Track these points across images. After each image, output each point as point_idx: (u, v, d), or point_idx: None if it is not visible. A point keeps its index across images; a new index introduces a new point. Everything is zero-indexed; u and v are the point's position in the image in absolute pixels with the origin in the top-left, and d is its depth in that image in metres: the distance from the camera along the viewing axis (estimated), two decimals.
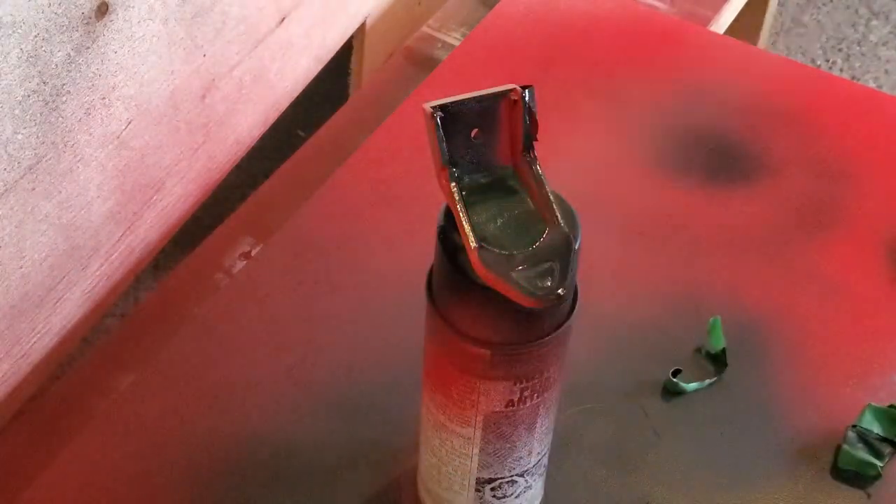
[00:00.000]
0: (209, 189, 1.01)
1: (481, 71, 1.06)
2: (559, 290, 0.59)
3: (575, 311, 0.65)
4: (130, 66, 0.83)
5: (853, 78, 1.88)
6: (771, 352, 0.88)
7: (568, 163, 0.98)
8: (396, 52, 1.15)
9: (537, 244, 0.60)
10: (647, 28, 1.11)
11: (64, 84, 0.78)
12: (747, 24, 1.44)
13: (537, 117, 0.62)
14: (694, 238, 0.95)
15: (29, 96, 0.75)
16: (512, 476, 0.71)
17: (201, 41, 0.90)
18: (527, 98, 0.61)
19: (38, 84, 0.76)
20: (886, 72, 1.90)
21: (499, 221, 0.61)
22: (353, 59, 1.20)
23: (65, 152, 0.81)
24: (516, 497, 0.72)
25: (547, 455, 0.73)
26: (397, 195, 0.96)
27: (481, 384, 0.65)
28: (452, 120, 0.61)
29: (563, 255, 0.60)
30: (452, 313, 0.64)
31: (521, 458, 0.70)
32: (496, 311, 0.62)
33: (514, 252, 0.59)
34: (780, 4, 1.94)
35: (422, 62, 1.12)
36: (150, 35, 0.84)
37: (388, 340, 0.86)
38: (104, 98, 0.82)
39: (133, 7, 0.81)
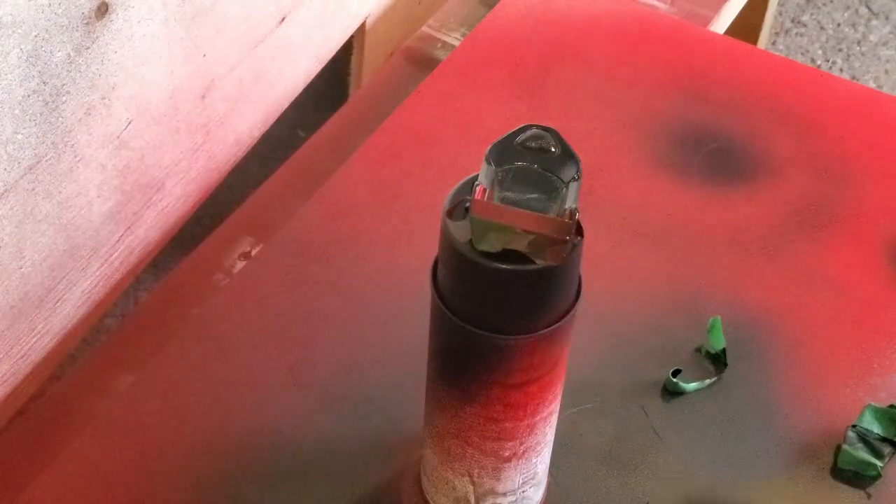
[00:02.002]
0: (209, 189, 1.01)
1: (481, 71, 1.06)
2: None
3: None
4: (130, 66, 0.83)
5: (853, 78, 1.88)
6: (771, 352, 0.88)
7: None
8: (396, 52, 1.15)
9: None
10: (647, 28, 1.11)
11: (64, 84, 0.78)
12: (747, 24, 1.44)
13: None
14: (694, 238, 0.95)
15: (29, 96, 0.75)
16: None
17: (201, 41, 0.90)
18: None
19: (38, 84, 0.76)
20: (886, 72, 1.90)
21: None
22: (353, 59, 1.20)
23: (65, 152, 0.81)
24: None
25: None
26: (397, 195, 0.96)
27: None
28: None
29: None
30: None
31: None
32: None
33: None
34: (780, 4, 1.94)
35: (422, 62, 1.12)
36: (150, 35, 0.84)
37: (388, 340, 0.86)
38: (104, 98, 0.82)
39: (133, 7, 0.81)
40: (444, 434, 0.71)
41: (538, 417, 0.70)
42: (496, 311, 0.64)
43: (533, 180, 0.62)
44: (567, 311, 0.65)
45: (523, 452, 0.71)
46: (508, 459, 0.71)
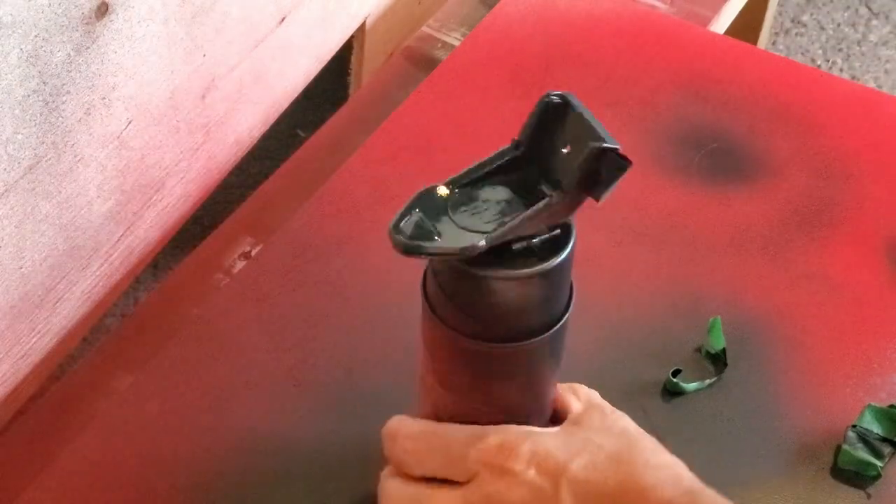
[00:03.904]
0: (209, 189, 1.01)
1: (481, 71, 1.06)
2: None
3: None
4: (130, 66, 0.83)
5: (853, 78, 1.88)
6: (771, 352, 0.88)
7: None
8: (396, 52, 1.15)
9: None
10: (647, 28, 1.11)
11: (64, 84, 0.78)
12: (747, 24, 1.44)
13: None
14: (694, 238, 0.95)
15: (29, 96, 0.75)
16: None
17: (201, 41, 0.90)
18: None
19: (38, 84, 0.76)
20: (886, 71, 1.90)
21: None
22: (353, 59, 1.20)
23: (65, 152, 0.81)
24: None
25: None
26: (397, 195, 0.95)
27: None
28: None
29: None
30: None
31: None
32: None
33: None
34: (779, 4, 1.94)
35: (422, 62, 1.12)
36: (150, 35, 0.84)
37: (388, 340, 0.86)
38: (104, 98, 0.82)
39: (133, 7, 0.81)
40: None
41: (533, 419, 0.69)
42: (482, 318, 0.64)
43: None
44: (557, 321, 0.65)
45: None
46: None
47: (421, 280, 0.66)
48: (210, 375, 0.85)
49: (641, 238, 0.95)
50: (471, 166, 0.63)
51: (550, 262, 0.62)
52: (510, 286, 0.62)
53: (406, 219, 0.61)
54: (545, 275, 0.62)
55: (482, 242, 0.60)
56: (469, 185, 0.63)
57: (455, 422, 0.68)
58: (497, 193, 0.63)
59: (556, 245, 0.63)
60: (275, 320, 0.88)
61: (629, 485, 0.64)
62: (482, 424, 0.68)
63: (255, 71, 1.00)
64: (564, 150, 0.62)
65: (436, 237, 0.60)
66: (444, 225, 0.61)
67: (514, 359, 0.66)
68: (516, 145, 0.64)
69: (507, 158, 0.63)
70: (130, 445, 0.81)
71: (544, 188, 0.63)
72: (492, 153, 0.64)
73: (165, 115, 0.90)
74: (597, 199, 0.62)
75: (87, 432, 0.82)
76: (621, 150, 0.61)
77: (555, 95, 0.62)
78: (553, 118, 0.63)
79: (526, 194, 0.63)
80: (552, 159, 0.63)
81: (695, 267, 0.93)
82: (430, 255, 0.60)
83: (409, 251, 0.60)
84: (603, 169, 0.61)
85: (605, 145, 0.61)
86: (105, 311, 0.94)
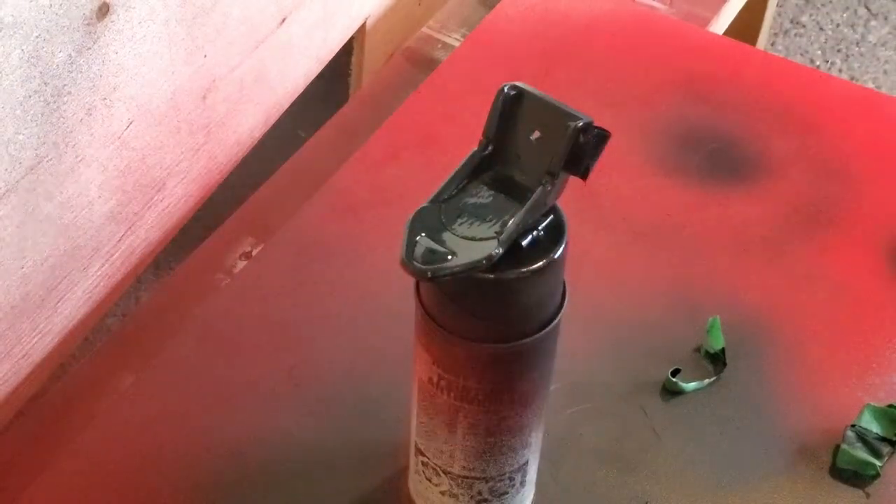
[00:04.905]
0: (210, 189, 1.01)
1: (481, 72, 1.06)
2: None
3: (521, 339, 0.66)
4: (131, 66, 0.84)
5: (852, 78, 1.88)
6: (771, 352, 0.88)
7: None
8: (397, 53, 1.15)
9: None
10: (647, 28, 1.11)
11: (65, 85, 0.78)
12: (746, 25, 1.44)
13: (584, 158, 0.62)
14: (693, 238, 0.95)
15: (30, 97, 0.75)
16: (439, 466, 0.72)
17: (202, 42, 0.91)
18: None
19: (39, 85, 0.76)
20: (885, 72, 1.90)
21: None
22: (354, 59, 1.20)
23: (66, 153, 0.81)
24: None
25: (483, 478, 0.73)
26: (397, 195, 0.96)
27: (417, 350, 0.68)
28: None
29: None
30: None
31: (442, 451, 0.71)
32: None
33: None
34: (778, 5, 1.94)
35: (422, 63, 1.12)
36: (151, 36, 0.84)
37: (388, 340, 0.86)
38: (105, 98, 0.82)
39: (134, 8, 0.81)
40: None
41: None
42: (516, 318, 0.64)
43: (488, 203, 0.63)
44: (548, 322, 0.66)
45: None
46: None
47: (422, 314, 0.66)
48: (210, 375, 0.85)
49: (641, 238, 0.95)
50: (448, 177, 0.63)
51: (563, 240, 0.63)
52: (540, 276, 0.63)
53: (414, 247, 0.61)
54: (563, 253, 0.63)
55: (498, 249, 0.60)
56: (452, 196, 0.63)
57: (477, 430, 0.69)
58: (481, 196, 0.63)
59: (552, 224, 0.63)
60: (275, 320, 0.88)
61: None
62: (506, 425, 0.68)
63: (256, 71, 1.00)
64: (532, 138, 0.63)
65: (450, 256, 0.60)
66: (451, 242, 0.61)
67: (540, 347, 0.66)
68: (485, 145, 0.64)
69: (478, 159, 0.64)
70: (131, 445, 0.81)
71: (521, 179, 0.63)
72: (463, 159, 0.64)
73: (166, 115, 0.90)
74: (584, 178, 0.63)
75: (88, 432, 0.82)
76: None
77: (509, 87, 0.63)
78: (513, 110, 0.63)
79: (506, 189, 0.63)
80: (520, 149, 0.63)
81: (695, 267, 0.93)
82: (454, 273, 0.60)
83: (434, 276, 0.60)
84: (587, 144, 0.61)
85: (583, 122, 0.61)
86: (106, 311, 0.94)
